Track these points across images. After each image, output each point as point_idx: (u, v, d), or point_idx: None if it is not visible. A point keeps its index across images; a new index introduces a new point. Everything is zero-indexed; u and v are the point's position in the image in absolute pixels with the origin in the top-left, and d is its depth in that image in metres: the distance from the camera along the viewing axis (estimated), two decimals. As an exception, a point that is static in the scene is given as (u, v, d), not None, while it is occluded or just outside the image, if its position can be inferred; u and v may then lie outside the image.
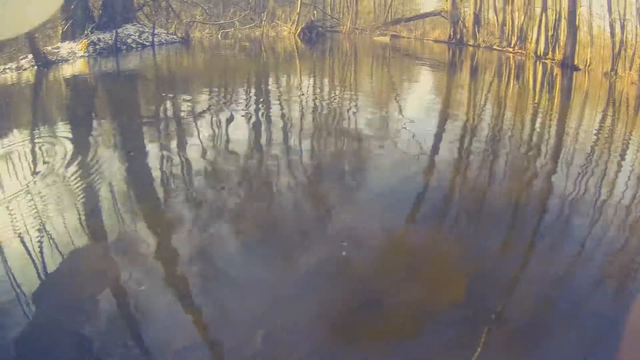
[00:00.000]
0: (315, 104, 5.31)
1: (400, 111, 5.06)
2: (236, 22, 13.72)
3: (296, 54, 10.07)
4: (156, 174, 3.07)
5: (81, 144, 3.64)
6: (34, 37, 9.90)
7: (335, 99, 5.56)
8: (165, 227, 2.39)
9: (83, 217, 2.50)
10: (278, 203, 2.76)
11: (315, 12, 12.80)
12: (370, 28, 11.26)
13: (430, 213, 2.76)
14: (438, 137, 4.14)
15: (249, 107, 5.00)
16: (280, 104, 5.23)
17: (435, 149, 3.85)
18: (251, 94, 5.88)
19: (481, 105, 5.68)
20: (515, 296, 2.04)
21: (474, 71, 7.12)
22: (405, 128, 4.37)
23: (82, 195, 2.72)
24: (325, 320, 1.79)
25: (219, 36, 13.25)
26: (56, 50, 10.47)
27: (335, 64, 8.78)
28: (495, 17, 8.66)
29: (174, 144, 3.71)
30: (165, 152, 3.47)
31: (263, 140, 3.89)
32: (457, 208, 2.90)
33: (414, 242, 2.45)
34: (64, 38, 10.78)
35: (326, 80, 6.78)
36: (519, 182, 3.37)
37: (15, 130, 4.25)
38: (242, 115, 4.57)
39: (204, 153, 3.48)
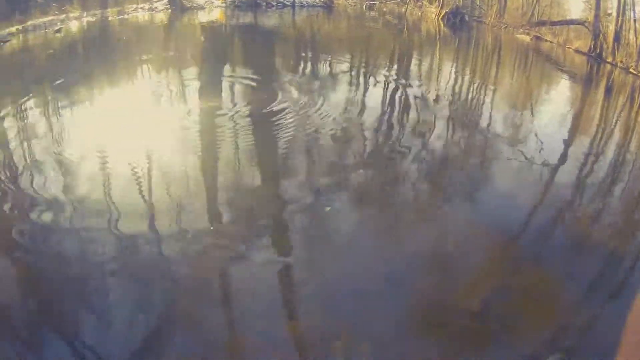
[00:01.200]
0: (448, 94, 5.78)
1: (532, 117, 5.57)
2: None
3: (438, 38, 10.71)
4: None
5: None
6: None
7: (472, 92, 6.14)
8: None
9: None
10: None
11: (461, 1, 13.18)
12: (515, 25, 11.56)
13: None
14: (563, 153, 4.26)
15: (387, 84, 5.82)
16: (420, 86, 5.91)
17: (561, 164, 3.99)
18: (390, 72, 6.61)
19: (609, 130, 5.62)
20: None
21: (607, 91, 7.40)
22: (535, 135, 4.63)
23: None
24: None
25: (364, 7, 14.04)
26: None
27: (477, 55, 9.27)
28: (635, 39, 8.52)
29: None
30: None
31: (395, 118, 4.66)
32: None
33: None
34: None
35: (467, 71, 7.39)
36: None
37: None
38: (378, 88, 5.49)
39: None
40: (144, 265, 2.31)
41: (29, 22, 11.50)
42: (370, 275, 2.33)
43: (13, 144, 3.78)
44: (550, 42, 10.61)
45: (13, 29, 11.43)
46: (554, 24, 11.40)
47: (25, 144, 3.80)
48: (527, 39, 10.68)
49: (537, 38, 10.95)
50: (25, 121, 4.31)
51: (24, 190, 2.98)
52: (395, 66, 7.04)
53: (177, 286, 2.16)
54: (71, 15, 11.25)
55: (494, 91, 6.38)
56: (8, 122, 4.26)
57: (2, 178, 3.18)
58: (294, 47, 8.10)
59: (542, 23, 11.38)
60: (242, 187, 3.18)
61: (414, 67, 7.22)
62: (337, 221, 2.72)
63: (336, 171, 3.36)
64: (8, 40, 10.31)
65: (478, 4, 13.04)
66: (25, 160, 3.49)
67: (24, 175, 3.20)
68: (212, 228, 2.63)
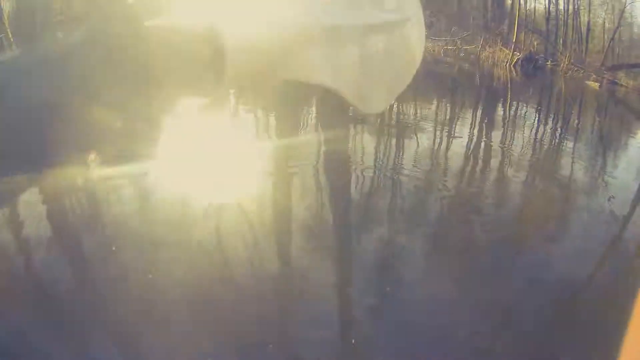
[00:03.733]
0: (518, 145, 5.65)
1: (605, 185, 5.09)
2: (458, 40, 15.32)
3: (509, 86, 11.31)
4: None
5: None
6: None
7: (546, 144, 6.08)
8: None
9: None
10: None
11: (536, 43, 13.64)
12: (587, 69, 11.86)
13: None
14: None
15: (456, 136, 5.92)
16: (489, 138, 5.90)
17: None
18: (457, 124, 6.61)
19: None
20: None
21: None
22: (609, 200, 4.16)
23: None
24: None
25: (441, 52, 14.96)
26: None
27: (550, 105, 9.43)
28: None
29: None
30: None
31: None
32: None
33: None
34: None
35: (539, 122, 7.42)
36: None
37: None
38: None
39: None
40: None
41: None
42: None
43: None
44: (626, 86, 10.78)
45: None
46: (632, 66, 11.53)
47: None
48: (595, 86, 10.92)
49: (612, 83, 11.16)
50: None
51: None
52: (461, 117, 7.29)
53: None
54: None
55: (570, 142, 6.31)
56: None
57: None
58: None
59: (618, 67, 11.56)
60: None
61: (483, 118, 7.45)
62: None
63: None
64: None
65: (552, 49, 13.44)
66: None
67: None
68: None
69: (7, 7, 12.70)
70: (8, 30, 11.77)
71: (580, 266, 2.85)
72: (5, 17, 11.93)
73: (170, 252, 2.58)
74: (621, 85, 10.98)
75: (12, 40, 11.40)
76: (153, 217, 3.08)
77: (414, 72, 0.57)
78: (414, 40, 0.57)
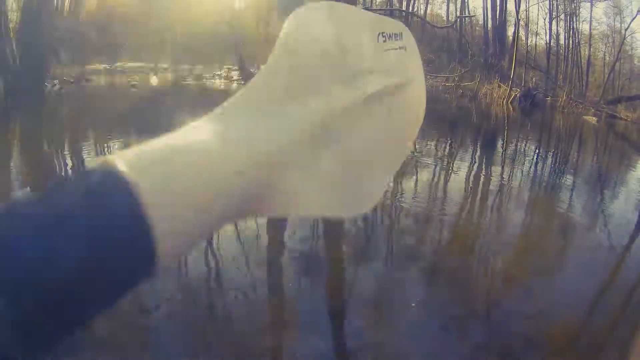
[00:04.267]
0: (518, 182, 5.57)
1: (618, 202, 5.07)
2: (456, 77, 15.46)
3: (506, 122, 11.14)
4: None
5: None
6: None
7: (549, 181, 5.90)
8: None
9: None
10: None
11: (534, 78, 13.64)
12: (586, 104, 11.72)
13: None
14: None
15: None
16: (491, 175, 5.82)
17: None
18: (456, 159, 6.60)
19: None
20: None
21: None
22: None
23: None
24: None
25: (440, 89, 15.11)
26: None
27: (550, 141, 9.28)
28: None
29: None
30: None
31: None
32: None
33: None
34: None
35: (539, 160, 7.21)
36: None
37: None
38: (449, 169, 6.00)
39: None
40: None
41: (118, 64, 13.94)
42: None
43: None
44: (625, 119, 10.59)
45: (100, 67, 13.74)
46: (631, 99, 11.36)
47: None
48: (593, 120, 10.74)
49: (612, 117, 10.98)
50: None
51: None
52: (461, 153, 7.23)
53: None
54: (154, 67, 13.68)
55: (575, 178, 6.19)
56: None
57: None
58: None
59: (617, 100, 11.40)
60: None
61: (482, 154, 7.39)
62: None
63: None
64: (89, 80, 12.74)
65: (552, 84, 13.38)
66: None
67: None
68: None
69: (13, 18, 13.34)
70: (13, 42, 12.34)
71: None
72: (11, 30, 12.48)
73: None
74: (621, 118, 10.79)
75: (15, 51, 11.95)
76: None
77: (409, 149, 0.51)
78: (414, 111, 0.52)
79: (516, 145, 8.18)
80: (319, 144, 0.35)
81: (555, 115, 11.65)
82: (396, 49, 0.45)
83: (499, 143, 8.40)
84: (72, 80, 12.48)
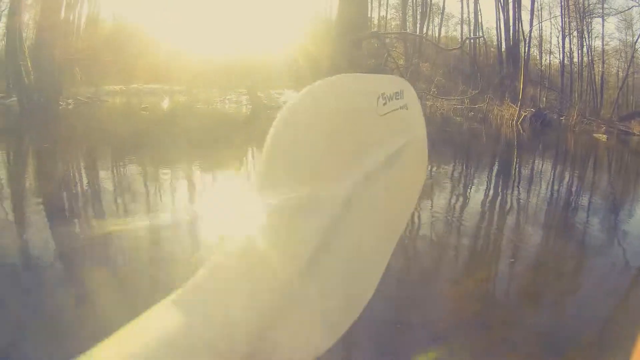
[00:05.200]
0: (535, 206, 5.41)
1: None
2: (466, 99, 15.35)
3: (514, 144, 10.96)
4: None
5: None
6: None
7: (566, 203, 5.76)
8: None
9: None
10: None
11: (545, 98, 13.48)
12: (597, 121, 11.50)
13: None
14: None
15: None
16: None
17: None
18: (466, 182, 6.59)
19: None
20: None
21: None
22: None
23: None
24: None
25: (451, 111, 15.01)
26: (277, 96, 13.55)
27: (565, 163, 9.05)
28: None
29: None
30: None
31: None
32: None
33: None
34: (293, 87, 13.59)
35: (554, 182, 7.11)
36: None
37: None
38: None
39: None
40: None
41: (134, 85, 14.38)
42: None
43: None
44: (639, 135, 10.32)
45: (117, 88, 14.17)
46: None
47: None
48: (603, 138, 10.49)
49: (626, 133, 10.73)
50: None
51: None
52: (469, 177, 7.19)
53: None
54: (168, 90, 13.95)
55: (592, 199, 6.07)
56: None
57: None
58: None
59: (630, 116, 11.15)
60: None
61: (478, 176, 7.33)
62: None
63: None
64: (104, 101, 13.12)
65: (566, 103, 13.19)
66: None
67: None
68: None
69: (29, 36, 13.85)
70: (28, 59, 12.60)
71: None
72: (25, 47, 12.83)
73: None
74: (633, 134, 10.52)
75: (30, 70, 12.26)
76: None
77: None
78: (415, 172, 0.47)
79: (514, 166, 8.09)
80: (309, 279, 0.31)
81: (564, 135, 11.47)
82: (397, 109, 0.43)
83: (499, 164, 8.33)
84: (86, 100, 12.89)
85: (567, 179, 7.55)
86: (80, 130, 9.46)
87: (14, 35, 12.74)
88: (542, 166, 8.34)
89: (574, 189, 6.80)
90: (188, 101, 13.77)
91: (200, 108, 13.05)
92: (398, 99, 0.43)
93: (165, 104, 13.49)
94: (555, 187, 6.70)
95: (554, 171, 8.08)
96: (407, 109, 0.44)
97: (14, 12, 12.76)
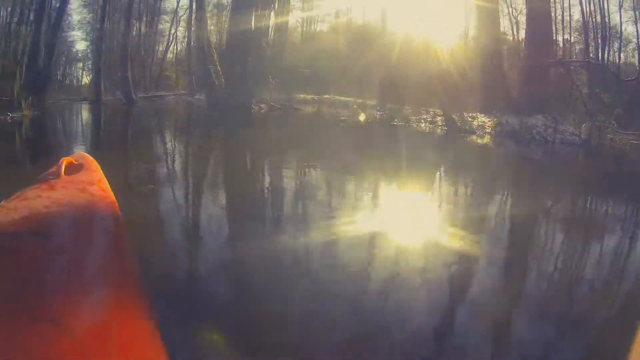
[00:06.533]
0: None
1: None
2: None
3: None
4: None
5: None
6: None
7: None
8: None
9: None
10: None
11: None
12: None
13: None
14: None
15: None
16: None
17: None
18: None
19: None
20: None
21: None
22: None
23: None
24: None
25: (627, 146, 12.55)
26: (470, 120, 12.91)
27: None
28: None
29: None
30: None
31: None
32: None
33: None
34: (482, 110, 12.89)
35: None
36: None
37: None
38: None
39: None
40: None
41: (325, 96, 14.09)
42: None
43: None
44: None
45: (308, 97, 14.22)
46: None
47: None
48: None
49: None
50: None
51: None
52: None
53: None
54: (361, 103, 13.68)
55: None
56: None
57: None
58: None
59: None
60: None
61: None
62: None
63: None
64: (297, 109, 13.26)
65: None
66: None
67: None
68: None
69: (217, 40, 14.85)
70: (218, 65, 13.56)
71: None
72: (214, 51, 13.97)
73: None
74: None
75: (221, 74, 13.45)
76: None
77: None
78: None
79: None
80: None
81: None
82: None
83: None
84: (279, 106, 13.64)
85: None
86: (299, 136, 10.29)
87: (202, 40, 14.08)
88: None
89: None
90: (383, 117, 13.50)
91: (398, 125, 12.82)
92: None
93: (362, 117, 13.39)
94: None
95: None
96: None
97: (200, 18, 14.16)
